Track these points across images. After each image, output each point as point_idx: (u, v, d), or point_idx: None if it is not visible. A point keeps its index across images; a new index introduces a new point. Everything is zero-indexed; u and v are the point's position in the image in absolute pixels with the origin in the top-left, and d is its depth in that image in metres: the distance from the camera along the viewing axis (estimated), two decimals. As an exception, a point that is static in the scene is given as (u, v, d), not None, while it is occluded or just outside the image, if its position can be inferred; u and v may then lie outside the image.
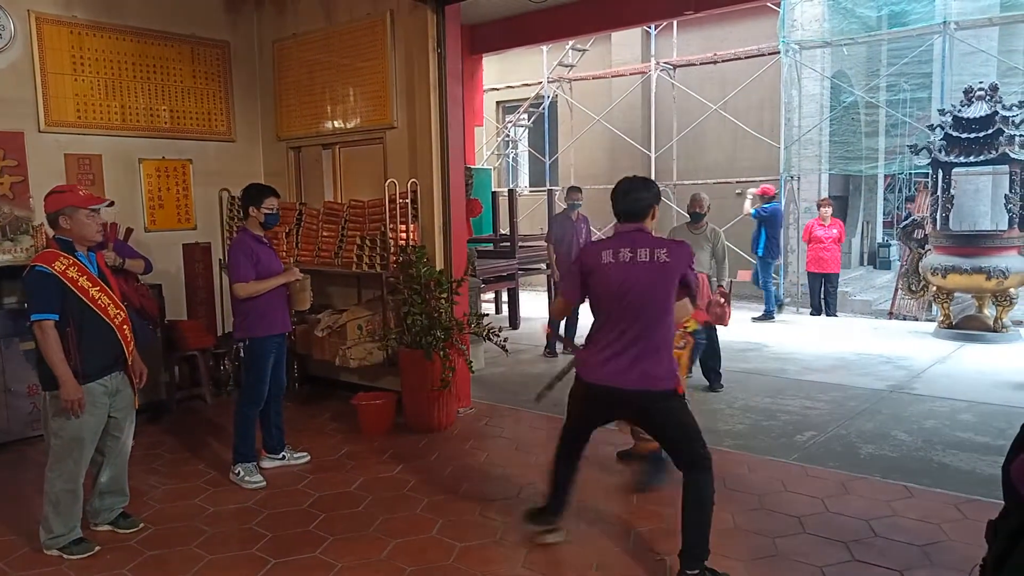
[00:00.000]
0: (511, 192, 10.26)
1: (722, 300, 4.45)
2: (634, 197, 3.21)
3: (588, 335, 3.32)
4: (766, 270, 9.88)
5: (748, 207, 10.23)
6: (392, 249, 5.58)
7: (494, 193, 11.10)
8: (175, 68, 6.35)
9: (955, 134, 8.27)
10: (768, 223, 9.77)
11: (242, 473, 4.47)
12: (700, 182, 12.98)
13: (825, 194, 12.39)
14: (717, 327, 5.52)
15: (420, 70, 5.64)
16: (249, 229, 4.50)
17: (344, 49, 6.17)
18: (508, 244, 9.77)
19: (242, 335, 4.49)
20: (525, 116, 15.80)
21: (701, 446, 3.18)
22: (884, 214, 15.83)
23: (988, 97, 8.15)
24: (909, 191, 13.92)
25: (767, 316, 9.89)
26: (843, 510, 3.89)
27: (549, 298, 8.08)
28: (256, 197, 4.49)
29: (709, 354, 6.19)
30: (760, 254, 9.86)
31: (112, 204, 3.91)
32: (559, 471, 3.54)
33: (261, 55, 6.84)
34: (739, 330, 8.55)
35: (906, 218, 12.36)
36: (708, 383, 6.34)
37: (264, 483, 4.44)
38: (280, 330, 4.57)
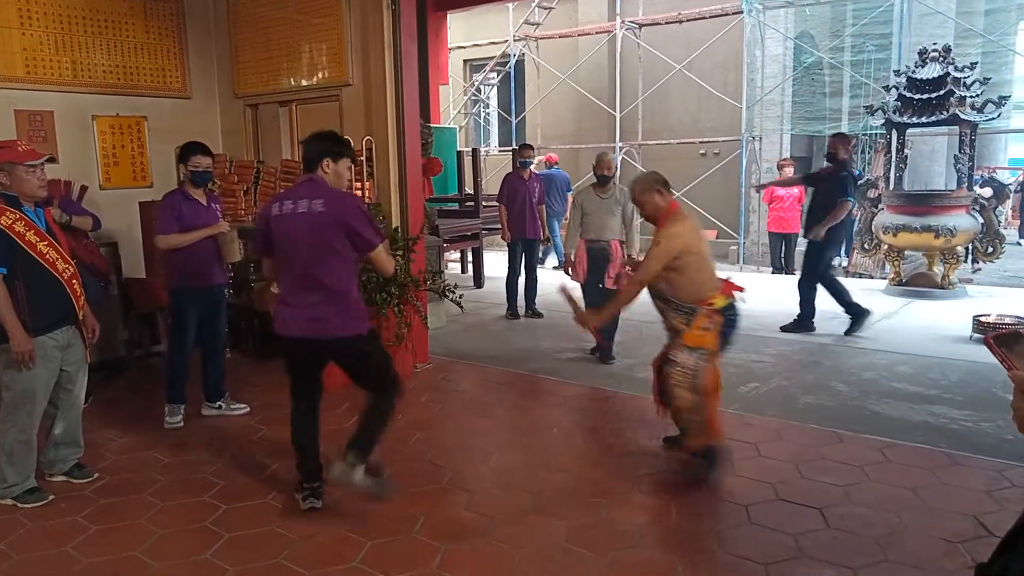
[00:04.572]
0: (475, 152, 10.28)
1: (631, 271, 4.28)
2: (307, 147, 3.33)
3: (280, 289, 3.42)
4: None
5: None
6: (348, 207, 5.62)
7: (459, 152, 11.09)
8: (127, 23, 6.26)
9: (909, 95, 8.42)
10: None
11: (166, 413, 4.69)
12: (664, 142, 13.08)
13: (787, 155, 12.54)
14: None
15: (374, 27, 5.63)
16: (184, 188, 4.62)
17: (299, 5, 6.12)
18: (472, 204, 9.82)
19: (167, 286, 4.64)
20: (493, 75, 15.71)
21: (393, 375, 3.40)
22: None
23: (941, 59, 8.28)
24: (871, 152, 14.10)
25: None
26: (774, 455, 4.09)
27: (511, 259, 8.09)
28: (184, 155, 4.61)
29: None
30: None
31: (52, 160, 3.91)
32: (298, 432, 3.63)
33: (216, 10, 6.75)
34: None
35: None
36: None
37: (181, 423, 4.68)
38: (205, 282, 4.65)
